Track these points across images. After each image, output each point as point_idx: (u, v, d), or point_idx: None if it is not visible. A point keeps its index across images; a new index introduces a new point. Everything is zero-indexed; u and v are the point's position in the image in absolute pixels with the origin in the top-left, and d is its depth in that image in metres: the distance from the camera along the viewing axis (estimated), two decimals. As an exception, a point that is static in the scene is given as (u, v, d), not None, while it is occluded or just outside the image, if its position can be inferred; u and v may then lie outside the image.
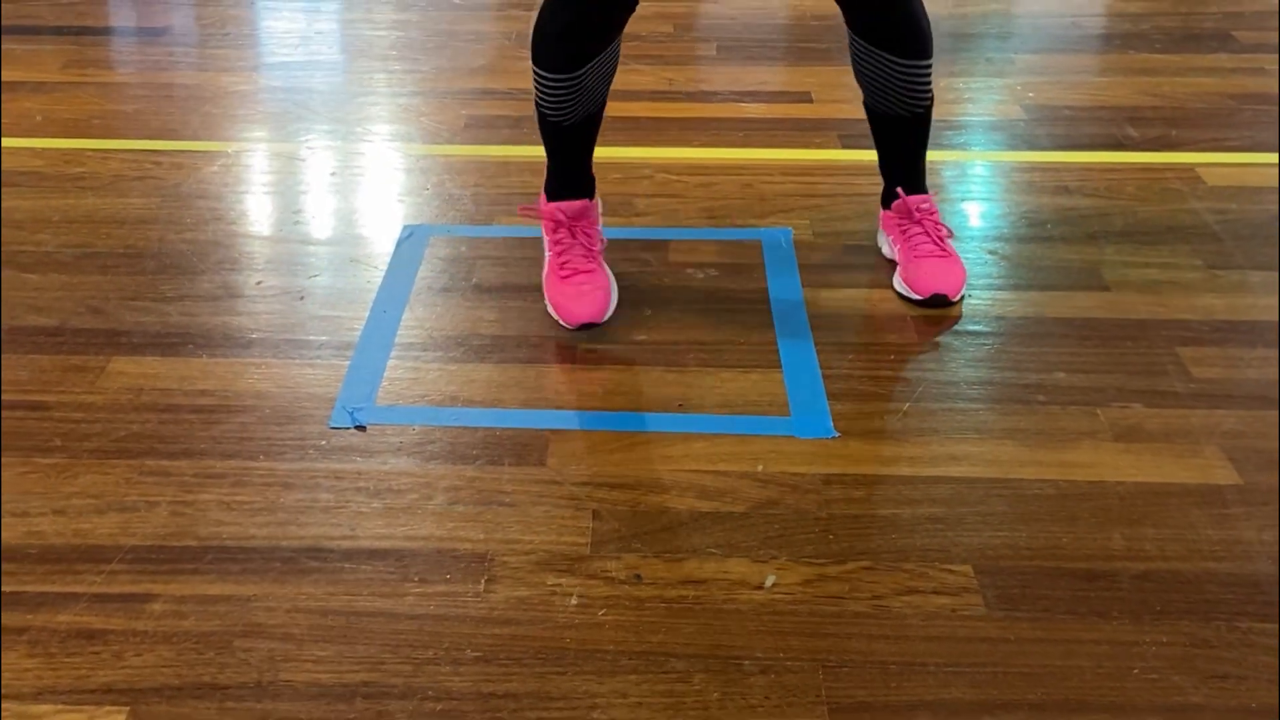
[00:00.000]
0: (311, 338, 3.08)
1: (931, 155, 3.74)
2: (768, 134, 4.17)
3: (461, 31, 5.15)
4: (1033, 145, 4.11)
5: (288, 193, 3.84)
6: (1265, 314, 3.13)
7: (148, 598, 2.32)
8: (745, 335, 3.07)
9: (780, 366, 2.96)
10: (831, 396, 2.85)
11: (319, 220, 3.68)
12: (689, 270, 3.34)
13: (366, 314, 3.17)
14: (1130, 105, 4.38)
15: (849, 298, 3.22)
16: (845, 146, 4.04)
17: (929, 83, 3.10)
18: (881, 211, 3.34)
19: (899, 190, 3.25)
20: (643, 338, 3.06)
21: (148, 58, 4.98)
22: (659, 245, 3.46)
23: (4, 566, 2.39)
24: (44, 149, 4.08)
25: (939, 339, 3.06)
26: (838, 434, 2.73)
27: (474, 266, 3.37)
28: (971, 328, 3.10)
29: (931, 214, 3.24)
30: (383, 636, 2.23)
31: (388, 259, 3.41)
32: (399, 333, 3.09)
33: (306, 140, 4.17)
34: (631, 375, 2.93)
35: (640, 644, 2.22)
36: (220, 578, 2.36)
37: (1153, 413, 2.79)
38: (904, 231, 3.25)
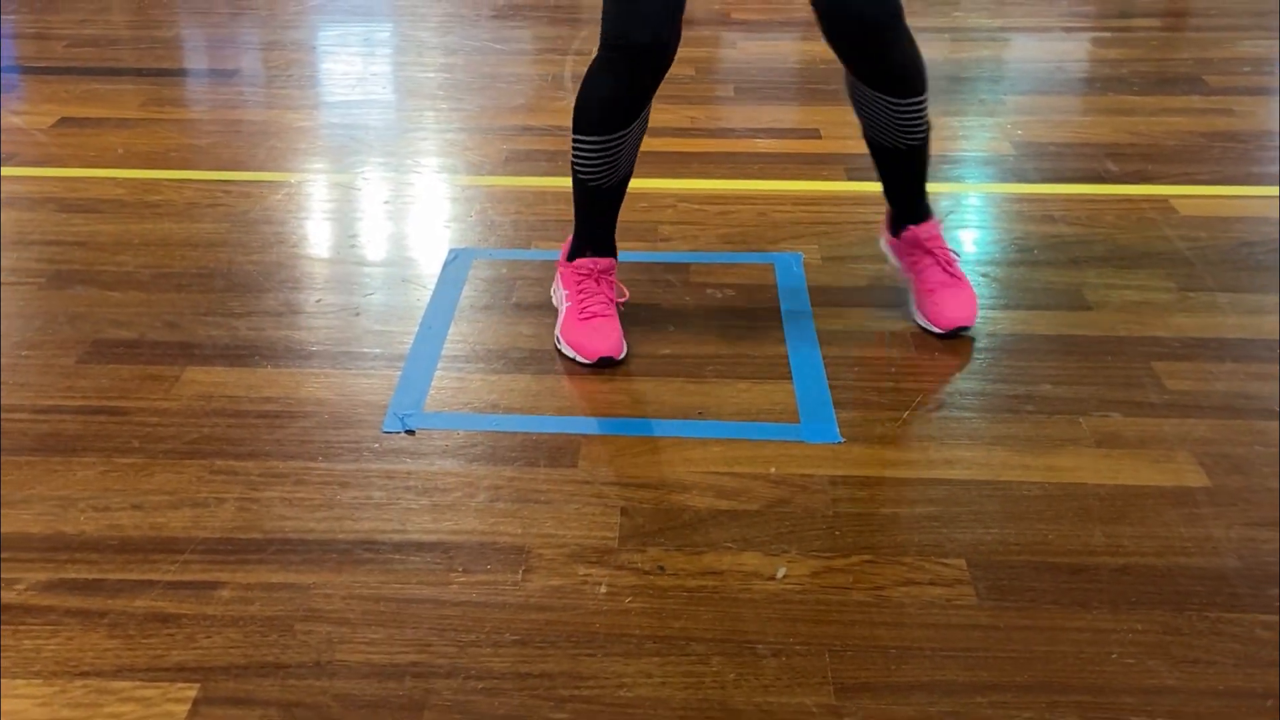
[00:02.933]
0: (366, 350, 3.08)
1: (929, 187, 3.74)
2: (780, 167, 4.16)
3: (503, 74, 5.15)
4: (1021, 178, 4.10)
5: (345, 219, 3.84)
6: (1233, 331, 3.13)
7: (217, 585, 2.32)
8: (759, 349, 3.06)
9: (791, 378, 2.95)
10: (838, 405, 2.85)
11: (373, 244, 3.69)
12: (708, 290, 3.34)
13: (416, 329, 3.17)
14: (1110, 142, 4.37)
15: (854, 316, 3.21)
16: (851, 179, 4.04)
17: (924, 117, 3.00)
18: (889, 237, 3.26)
19: (907, 225, 3.17)
20: (666, 351, 3.06)
21: (219, 96, 4.99)
22: (681, 267, 3.46)
23: (87, 557, 2.39)
24: (125, 179, 4.09)
25: (936, 354, 3.06)
26: (843, 439, 2.73)
27: (513, 286, 3.37)
28: (965, 343, 3.10)
29: (938, 240, 3.17)
30: (430, 621, 2.23)
31: (435, 279, 3.42)
32: (445, 346, 3.09)
33: (362, 171, 4.18)
34: (655, 385, 2.93)
35: (663, 629, 2.21)
36: (282, 567, 2.36)
37: (1130, 421, 2.79)
38: (915, 263, 3.18)
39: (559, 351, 3.07)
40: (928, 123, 3.04)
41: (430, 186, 4.09)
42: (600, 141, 2.93)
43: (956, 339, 3.09)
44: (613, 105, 2.89)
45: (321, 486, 2.59)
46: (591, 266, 3.10)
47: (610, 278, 3.12)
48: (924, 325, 3.15)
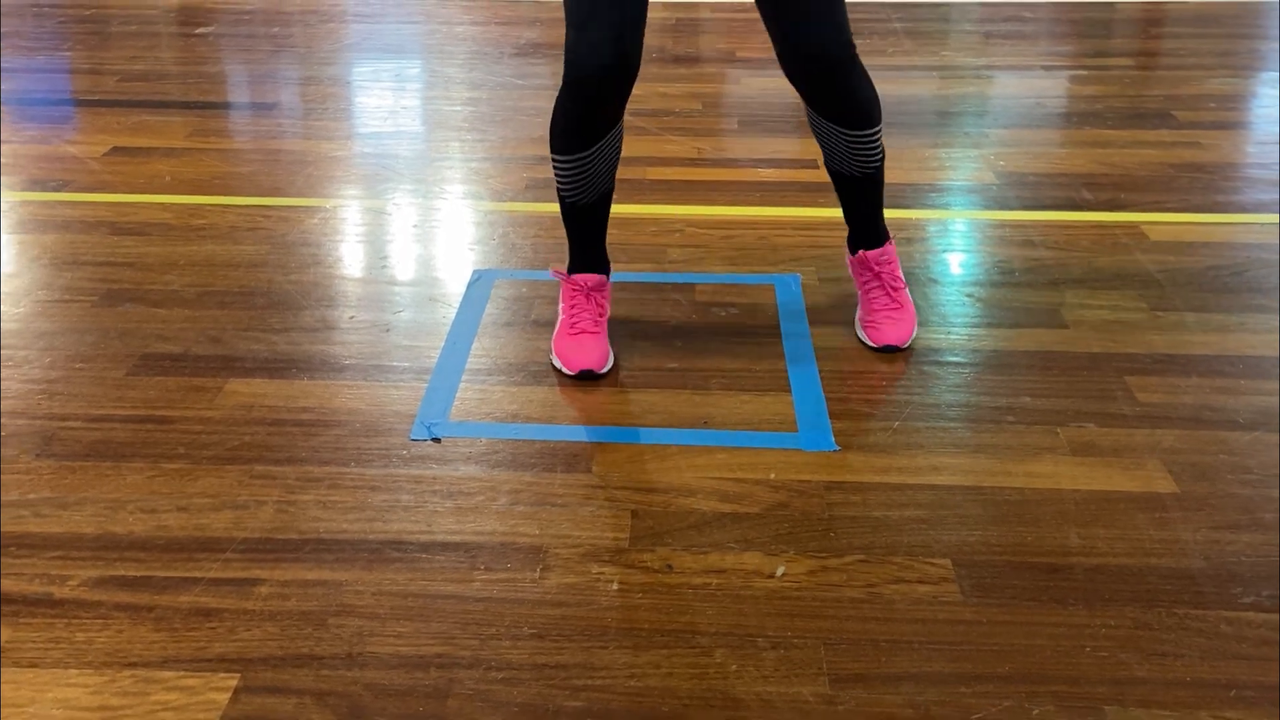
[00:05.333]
0: (395, 364, 3.08)
1: (918, 214, 3.75)
2: (780, 195, 4.16)
3: (524, 107, 5.15)
4: (1003, 205, 4.10)
5: (376, 241, 3.85)
6: (1199, 349, 3.12)
7: (256, 582, 2.32)
8: (760, 364, 3.06)
9: (790, 390, 2.95)
10: (833, 416, 2.84)
11: (402, 265, 3.69)
12: (713, 309, 3.34)
13: (442, 344, 3.17)
14: (1086, 172, 4.36)
15: (848, 333, 3.21)
16: (845, 205, 4.04)
17: (878, 146, 2.99)
18: (848, 255, 3.23)
19: (860, 248, 3.16)
20: (673, 365, 3.06)
21: (260, 128, 4.99)
22: (687, 287, 3.46)
23: (136, 555, 2.40)
24: (172, 204, 4.10)
25: (924, 368, 3.06)
26: (838, 448, 2.73)
27: (533, 305, 3.37)
28: (951, 358, 3.10)
29: (889, 264, 3.17)
30: (454, 616, 2.23)
31: (460, 298, 3.42)
32: (469, 360, 3.10)
33: (392, 198, 4.18)
34: (664, 397, 2.93)
35: (671, 623, 2.21)
36: (317, 565, 2.37)
37: (1104, 431, 2.78)
38: (864, 284, 3.18)
39: (551, 362, 3.08)
40: (882, 152, 3.03)
41: (456, 212, 4.09)
42: (571, 160, 2.93)
43: (944, 363, 3.09)
44: (577, 126, 2.88)
45: (354, 490, 2.60)
46: (582, 283, 3.09)
47: (600, 294, 3.11)
48: (861, 339, 3.17)
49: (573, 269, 3.13)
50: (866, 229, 3.16)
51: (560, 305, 3.14)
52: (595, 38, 2.73)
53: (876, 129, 2.96)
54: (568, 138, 2.91)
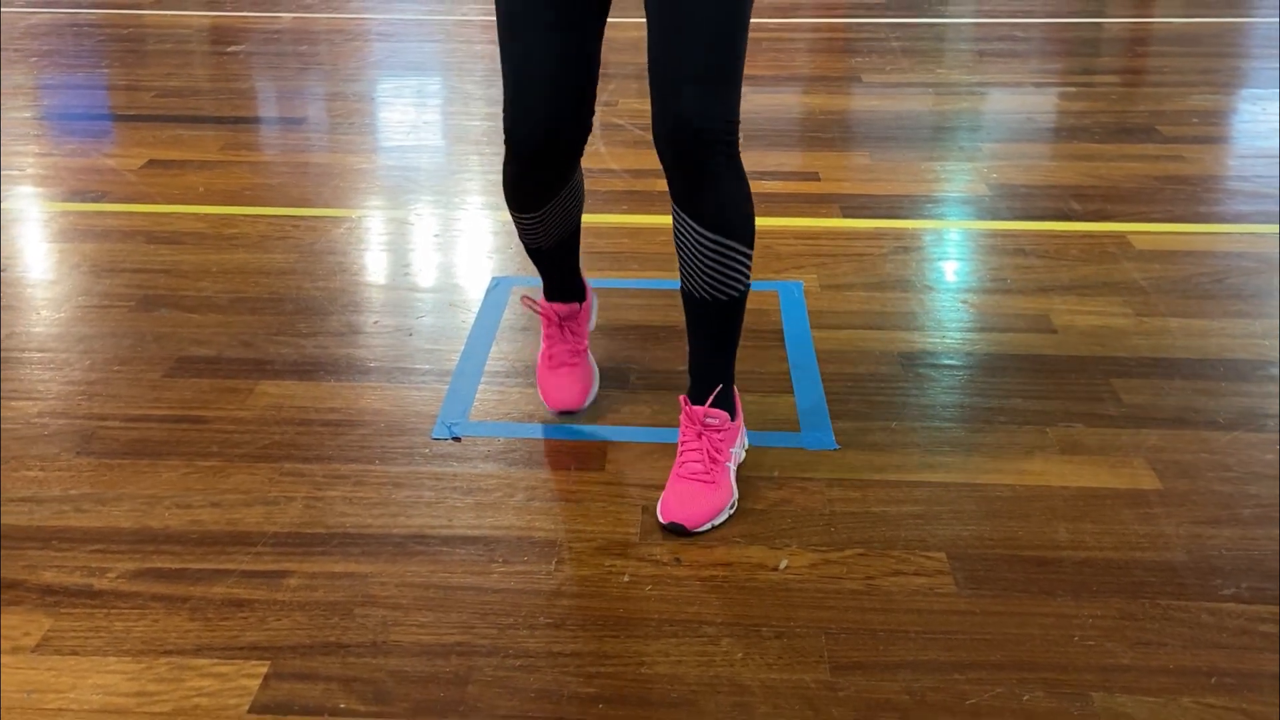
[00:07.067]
0: (418, 366, 3.09)
1: (914, 224, 3.74)
2: (783, 206, 4.16)
3: (538, 122, 5.15)
4: (996, 216, 4.10)
5: (399, 250, 3.85)
6: (1182, 352, 3.12)
7: (286, 574, 2.33)
8: (764, 366, 3.07)
9: (792, 392, 2.95)
10: (834, 416, 2.85)
11: (424, 272, 3.69)
12: (719, 314, 3.34)
13: (462, 348, 3.17)
14: (1074, 184, 4.36)
15: (848, 337, 3.21)
16: (845, 216, 4.03)
17: (738, 270, 2.40)
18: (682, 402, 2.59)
19: (685, 399, 2.56)
20: (682, 368, 3.04)
21: (288, 141, 5.00)
22: (695, 294, 3.46)
23: (171, 548, 2.40)
24: (205, 214, 4.10)
25: (920, 371, 3.06)
26: (839, 446, 2.73)
27: (547, 310, 3.37)
28: (946, 361, 3.10)
29: (719, 430, 2.53)
30: (473, 606, 2.24)
31: (479, 304, 3.42)
32: (488, 363, 3.10)
33: (415, 208, 4.18)
34: (673, 398, 2.92)
35: (679, 614, 2.22)
36: (344, 558, 2.37)
37: (1091, 431, 2.79)
38: (683, 442, 2.55)
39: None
40: (745, 285, 2.44)
41: (475, 221, 4.10)
42: (523, 217, 2.63)
43: (939, 366, 3.09)
44: (518, 189, 2.56)
45: (378, 486, 2.60)
46: (553, 313, 2.87)
47: (573, 323, 2.88)
48: (658, 515, 2.49)
49: (547, 296, 2.89)
50: (703, 371, 2.55)
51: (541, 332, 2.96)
52: (525, 107, 2.40)
53: (741, 247, 2.39)
54: (515, 197, 2.59)
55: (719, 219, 2.34)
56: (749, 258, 2.41)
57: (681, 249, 2.41)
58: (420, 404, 2.92)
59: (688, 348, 2.55)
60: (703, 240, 2.36)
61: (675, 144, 2.28)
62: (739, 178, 2.36)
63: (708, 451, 2.50)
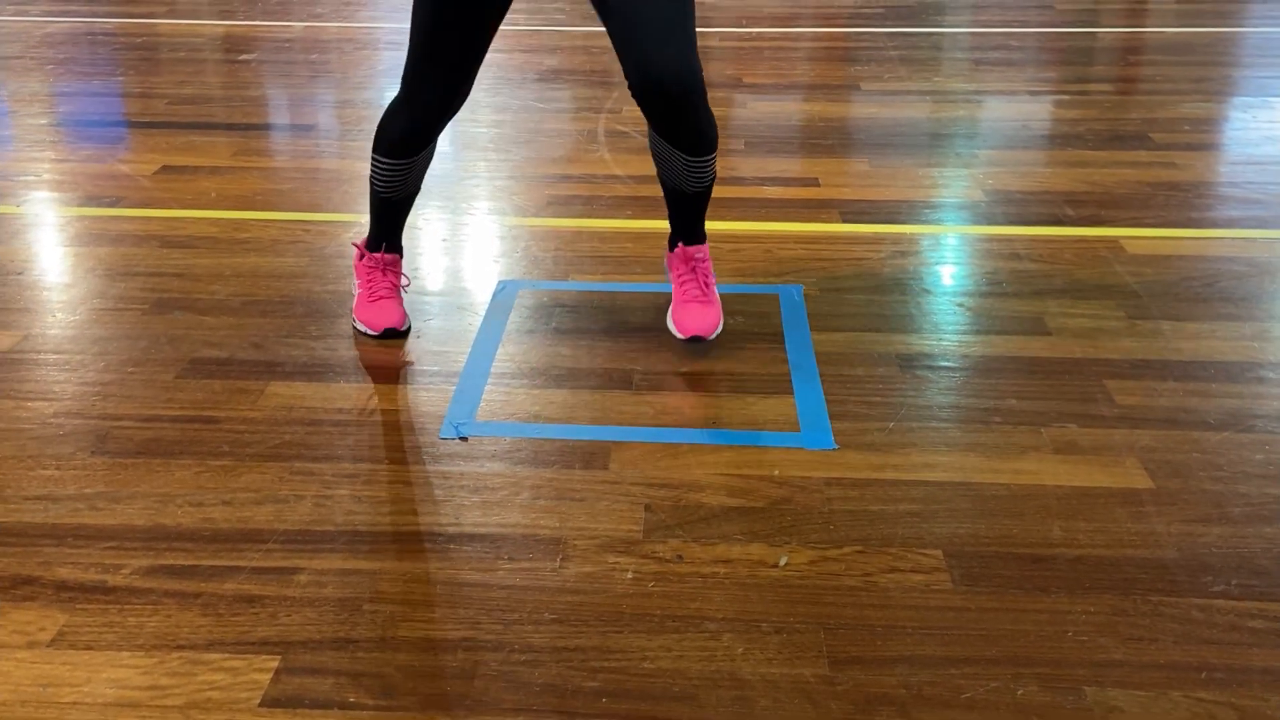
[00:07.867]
0: (425, 368, 3.09)
1: (912, 229, 3.75)
2: (784, 211, 4.17)
3: (545, 129, 5.16)
4: (992, 221, 4.10)
5: (408, 254, 3.84)
6: (1174, 355, 3.12)
7: (296, 570, 2.33)
8: (765, 368, 3.07)
9: (792, 393, 2.95)
10: (833, 417, 2.85)
11: (432, 276, 3.70)
12: (722, 317, 3.34)
13: (469, 350, 3.18)
14: (1068, 190, 4.36)
15: (846, 339, 3.21)
16: (845, 221, 4.04)
17: (710, 169, 3.01)
18: (667, 252, 3.32)
19: (680, 242, 3.21)
20: (684, 369, 3.06)
21: (299, 148, 5.01)
22: (697, 297, 3.46)
23: (184, 545, 2.41)
24: (217, 219, 4.11)
25: (917, 372, 3.06)
26: (837, 446, 2.73)
27: (553, 313, 3.37)
28: (942, 363, 3.10)
29: (704, 262, 3.22)
30: (479, 602, 2.24)
31: (486, 307, 3.42)
32: (494, 364, 3.10)
33: (423, 213, 4.18)
34: (675, 398, 2.93)
35: (681, 610, 2.22)
36: (353, 555, 2.37)
37: (1085, 431, 2.79)
38: (679, 277, 3.23)
39: (354, 328, 3.25)
40: (713, 174, 3.04)
41: (482, 226, 4.10)
42: (392, 163, 3.06)
43: (936, 368, 3.09)
44: (406, 138, 3.01)
45: (386, 485, 2.60)
46: (381, 260, 3.26)
47: (394, 269, 3.28)
48: (671, 330, 3.21)
49: (375, 247, 3.27)
50: (689, 230, 3.21)
51: (356, 281, 3.31)
52: (433, 85, 2.91)
53: (713, 156, 2.99)
54: (393, 145, 3.04)
55: (698, 144, 2.92)
56: (715, 157, 3.00)
57: (666, 166, 3.03)
58: (428, 404, 2.92)
59: (668, 214, 3.19)
60: (688, 161, 2.96)
61: (660, 110, 2.82)
62: (707, 110, 2.88)
63: (700, 282, 3.20)
